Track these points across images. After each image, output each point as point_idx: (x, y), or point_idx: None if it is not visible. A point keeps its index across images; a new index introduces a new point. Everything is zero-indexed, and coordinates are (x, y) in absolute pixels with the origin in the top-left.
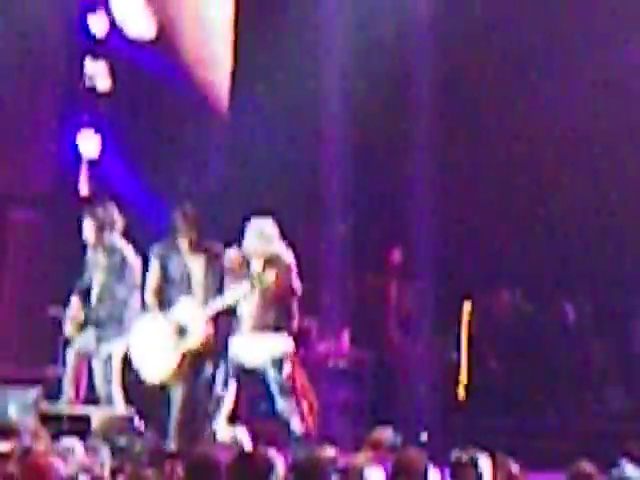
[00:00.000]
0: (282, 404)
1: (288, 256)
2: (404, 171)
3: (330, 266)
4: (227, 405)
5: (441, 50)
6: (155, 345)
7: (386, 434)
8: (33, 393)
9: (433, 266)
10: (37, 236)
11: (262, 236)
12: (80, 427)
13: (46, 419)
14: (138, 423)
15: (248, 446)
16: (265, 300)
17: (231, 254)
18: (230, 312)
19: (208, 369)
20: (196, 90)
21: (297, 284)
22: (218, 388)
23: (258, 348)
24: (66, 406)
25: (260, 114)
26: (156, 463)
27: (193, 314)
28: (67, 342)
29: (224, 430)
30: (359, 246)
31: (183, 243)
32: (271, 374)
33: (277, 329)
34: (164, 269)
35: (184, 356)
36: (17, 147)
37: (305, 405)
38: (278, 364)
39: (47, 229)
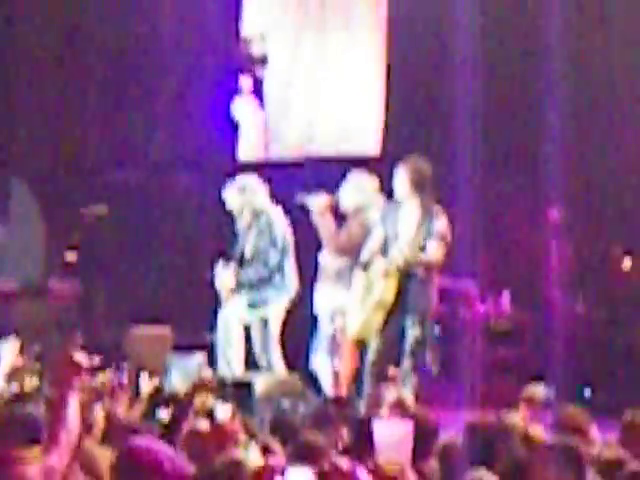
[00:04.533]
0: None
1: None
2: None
3: (489, 226)
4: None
5: None
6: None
7: (539, 390)
8: (195, 360)
9: (591, 223)
10: (196, 201)
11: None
12: (243, 393)
13: (208, 386)
14: (301, 387)
15: (414, 410)
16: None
17: (320, 200)
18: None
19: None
20: None
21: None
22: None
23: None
24: (229, 372)
25: None
26: (320, 426)
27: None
28: (219, 308)
29: (391, 390)
30: (516, 205)
31: None
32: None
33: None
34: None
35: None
36: (175, 114)
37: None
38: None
39: (206, 194)
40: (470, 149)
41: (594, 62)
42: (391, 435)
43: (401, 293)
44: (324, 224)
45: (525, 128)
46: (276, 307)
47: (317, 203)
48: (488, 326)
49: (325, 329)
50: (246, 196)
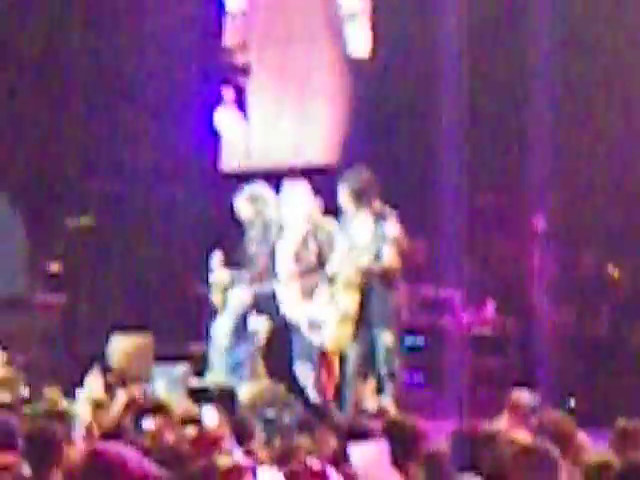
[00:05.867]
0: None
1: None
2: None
3: (472, 235)
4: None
5: None
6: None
7: (524, 395)
8: (181, 369)
9: (575, 233)
10: (180, 211)
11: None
12: (228, 401)
13: (194, 393)
14: (284, 395)
15: (396, 416)
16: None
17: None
18: None
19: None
20: None
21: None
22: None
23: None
24: (213, 381)
25: None
26: (306, 434)
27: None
28: (213, 316)
29: (371, 400)
30: (501, 213)
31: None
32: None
33: None
34: None
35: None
36: (158, 124)
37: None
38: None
39: (189, 204)
40: (454, 160)
41: (578, 75)
42: (367, 459)
43: (364, 304)
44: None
45: (509, 139)
46: (263, 320)
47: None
48: (472, 335)
49: (308, 342)
50: (258, 206)
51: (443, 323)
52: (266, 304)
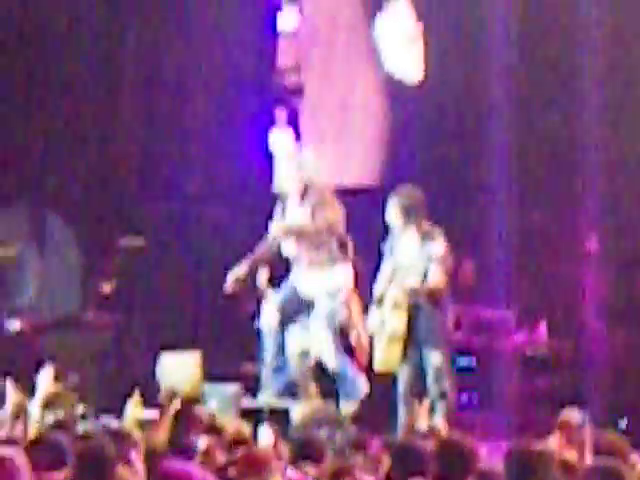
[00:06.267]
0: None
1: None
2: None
3: (525, 256)
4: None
5: None
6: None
7: (574, 415)
8: (233, 389)
9: (628, 254)
10: (232, 233)
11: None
12: (280, 421)
13: (247, 414)
14: (337, 414)
15: (449, 435)
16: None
17: None
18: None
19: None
20: None
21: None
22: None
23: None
24: (266, 401)
25: None
26: (359, 452)
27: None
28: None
29: (423, 420)
30: (553, 233)
31: None
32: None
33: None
34: None
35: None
36: (211, 145)
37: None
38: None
39: (241, 226)
40: (506, 179)
41: (633, 92)
42: None
43: (412, 324)
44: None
45: (562, 157)
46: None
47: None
48: (525, 356)
49: (323, 308)
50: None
51: (495, 344)
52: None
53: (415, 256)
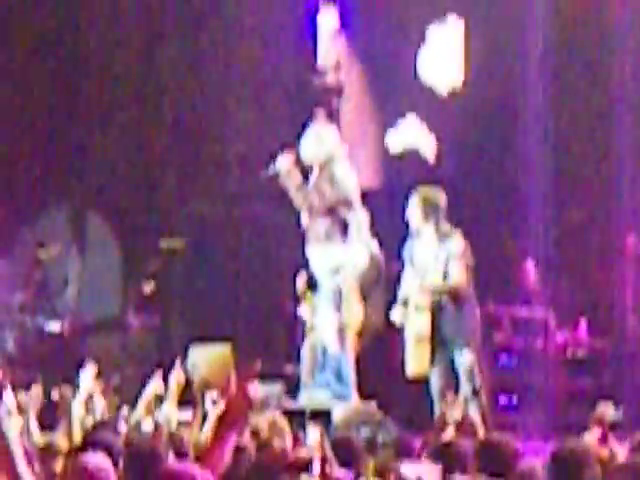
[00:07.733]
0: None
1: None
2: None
3: (565, 256)
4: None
5: None
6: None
7: (608, 410)
8: (274, 388)
9: None
10: (273, 233)
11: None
12: (321, 421)
13: (287, 414)
14: (378, 414)
15: (490, 434)
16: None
17: (284, 159)
18: None
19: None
20: None
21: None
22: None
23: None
24: (307, 401)
25: None
26: (400, 453)
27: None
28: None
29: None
30: (594, 232)
31: None
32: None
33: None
34: None
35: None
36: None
37: None
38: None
39: (282, 226)
40: (544, 178)
41: None
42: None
43: (436, 324)
44: (293, 183)
45: (600, 157)
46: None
47: (282, 163)
48: (565, 355)
49: (327, 285)
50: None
51: (536, 344)
52: None
53: (434, 256)
